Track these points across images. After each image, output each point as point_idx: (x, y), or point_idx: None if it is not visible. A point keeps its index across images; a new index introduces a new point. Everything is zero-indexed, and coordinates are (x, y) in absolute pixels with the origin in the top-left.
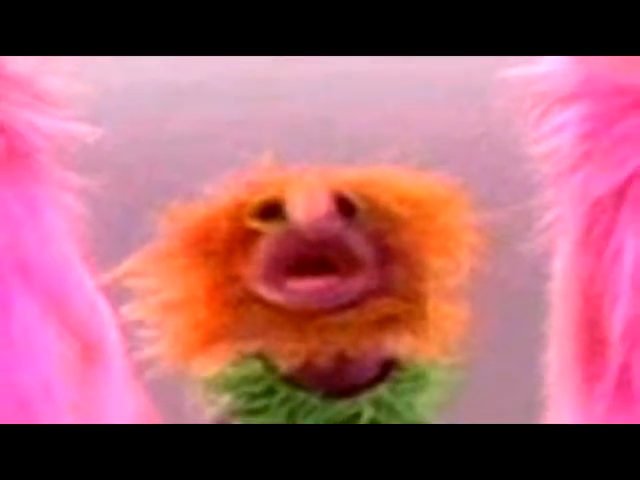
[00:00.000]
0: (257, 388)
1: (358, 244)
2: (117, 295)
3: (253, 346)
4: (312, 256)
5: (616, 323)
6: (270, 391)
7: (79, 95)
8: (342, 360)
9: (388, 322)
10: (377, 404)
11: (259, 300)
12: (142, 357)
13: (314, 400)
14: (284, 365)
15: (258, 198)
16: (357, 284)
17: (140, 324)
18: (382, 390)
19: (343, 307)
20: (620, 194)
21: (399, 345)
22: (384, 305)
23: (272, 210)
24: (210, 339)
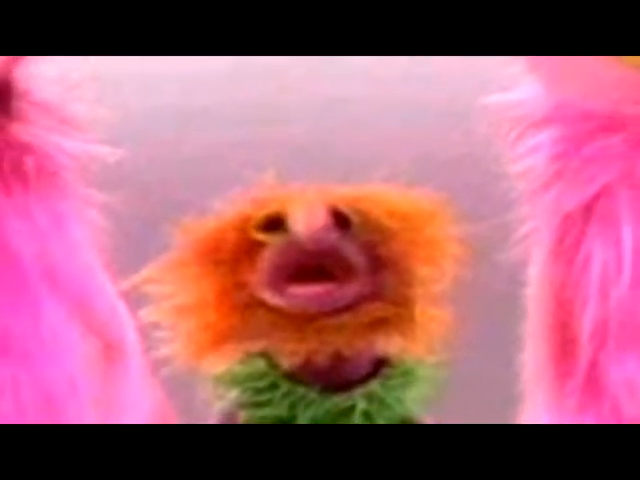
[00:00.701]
0: (261, 383)
1: (353, 254)
2: (135, 300)
3: (258, 346)
4: (311, 264)
5: (585, 325)
6: (273, 386)
7: (101, 119)
8: (338, 358)
9: (380, 324)
10: (370, 398)
11: (263, 304)
12: (158, 356)
13: (313, 394)
14: (286, 363)
15: (262, 212)
16: (352, 290)
17: (156, 326)
18: (374, 385)
19: (339, 311)
20: (588, 209)
21: (389, 345)
22: (376, 309)
23: (275, 223)
24: (219, 340)
